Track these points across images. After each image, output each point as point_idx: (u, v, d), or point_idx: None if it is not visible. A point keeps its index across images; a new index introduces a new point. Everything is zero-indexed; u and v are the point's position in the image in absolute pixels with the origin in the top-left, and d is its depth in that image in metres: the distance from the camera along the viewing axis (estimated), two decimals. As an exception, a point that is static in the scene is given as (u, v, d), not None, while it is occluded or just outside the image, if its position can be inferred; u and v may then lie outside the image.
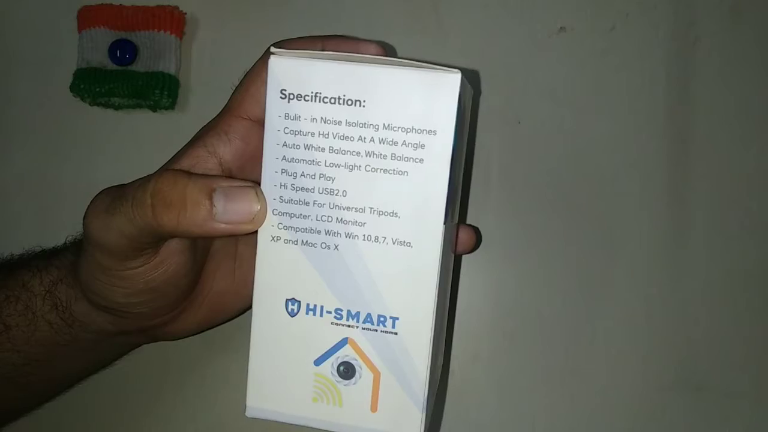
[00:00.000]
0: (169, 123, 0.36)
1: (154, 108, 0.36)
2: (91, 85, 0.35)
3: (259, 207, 0.22)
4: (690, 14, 0.35)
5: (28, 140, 0.37)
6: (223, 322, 0.30)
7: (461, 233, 0.30)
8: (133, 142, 0.36)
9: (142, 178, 0.23)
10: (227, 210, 0.22)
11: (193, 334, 0.30)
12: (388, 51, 0.25)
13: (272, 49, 0.22)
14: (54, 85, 0.36)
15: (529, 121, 0.35)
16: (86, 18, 0.36)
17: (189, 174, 0.23)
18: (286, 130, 0.22)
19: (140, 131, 0.36)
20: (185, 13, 0.36)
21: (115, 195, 0.24)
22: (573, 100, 0.35)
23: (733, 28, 0.35)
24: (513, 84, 0.35)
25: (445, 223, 0.22)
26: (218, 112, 0.27)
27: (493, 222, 0.35)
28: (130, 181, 0.24)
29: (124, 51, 0.35)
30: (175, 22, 0.36)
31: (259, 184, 0.22)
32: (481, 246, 0.35)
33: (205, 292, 0.28)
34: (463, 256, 0.35)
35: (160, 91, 0.35)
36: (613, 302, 0.34)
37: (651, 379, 0.34)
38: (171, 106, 0.36)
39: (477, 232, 0.33)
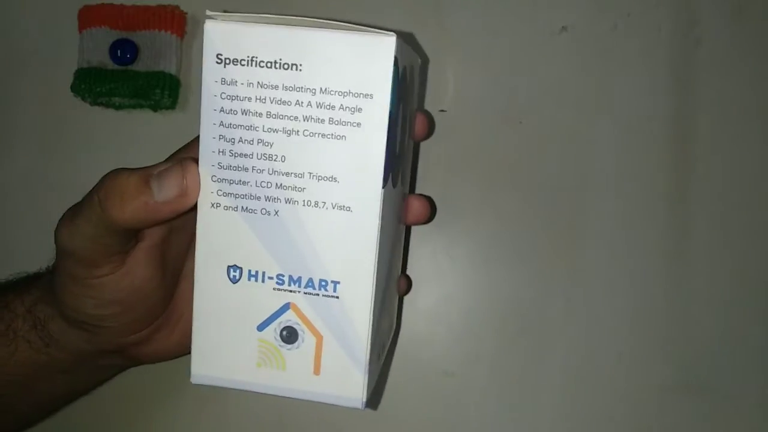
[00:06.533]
0: (170, 123, 0.36)
1: (155, 108, 0.36)
2: (92, 85, 0.35)
3: (186, 179, 0.22)
4: (692, 14, 0.35)
5: (29, 140, 0.37)
6: None
7: (414, 201, 0.30)
8: (133, 142, 0.36)
9: None
10: (162, 189, 0.23)
11: (171, 358, 0.30)
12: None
13: (208, 13, 0.22)
14: (55, 85, 0.36)
15: (530, 121, 0.35)
16: (87, 18, 0.36)
17: (130, 169, 0.24)
18: (223, 96, 0.22)
19: (141, 131, 0.36)
20: (186, 13, 0.36)
21: (77, 204, 0.25)
22: (575, 99, 0.35)
23: (736, 27, 0.34)
24: (514, 84, 0.35)
25: (384, 188, 0.22)
26: None
27: (493, 222, 0.35)
28: None
29: (124, 51, 0.35)
30: (176, 21, 0.36)
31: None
32: (481, 246, 0.35)
33: (178, 311, 0.29)
34: (465, 255, 0.35)
35: (161, 91, 0.35)
36: (614, 303, 0.34)
37: (653, 381, 0.34)
38: (172, 105, 0.36)
39: (431, 202, 0.33)
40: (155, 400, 0.35)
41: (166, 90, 0.35)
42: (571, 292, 0.34)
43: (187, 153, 0.27)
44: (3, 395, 0.29)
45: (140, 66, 0.35)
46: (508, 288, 0.35)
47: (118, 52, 0.35)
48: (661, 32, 0.35)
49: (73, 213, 0.25)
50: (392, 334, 0.30)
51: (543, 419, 0.34)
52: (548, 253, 0.34)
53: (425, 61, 0.35)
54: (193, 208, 0.23)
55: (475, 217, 0.35)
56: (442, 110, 0.35)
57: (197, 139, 0.27)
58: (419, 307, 0.35)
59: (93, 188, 0.24)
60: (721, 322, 0.34)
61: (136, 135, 0.36)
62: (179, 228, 0.27)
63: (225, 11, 0.22)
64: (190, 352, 0.30)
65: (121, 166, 0.25)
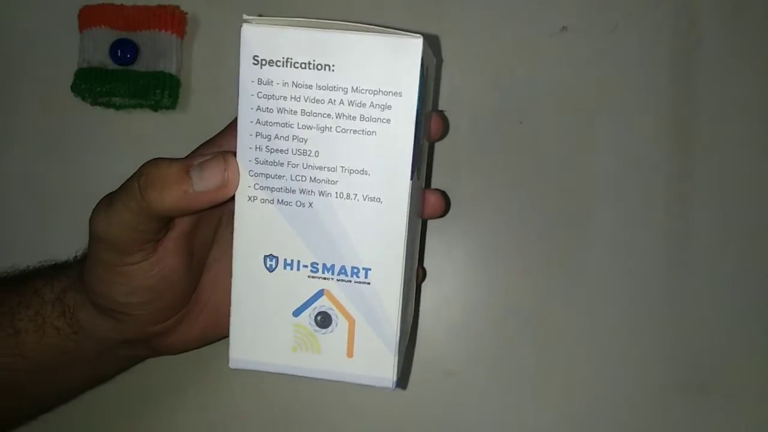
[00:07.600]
0: (170, 123, 0.36)
1: (155, 108, 0.36)
2: (92, 85, 0.35)
3: (227, 171, 0.23)
4: (692, 14, 0.35)
5: (29, 140, 0.37)
6: (222, 338, 0.31)
7: (430, 196, 0.31)
8: (134, 142, 0.36)
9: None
10: (202, 179, 0.24)
11: (192, 348, 0.31)
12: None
13: (245, 17, 0.23)
14: (55, 85, 0.36)
15: (530, 121, 0.35)
16: (87, 18, 0.36)
17: (170, 159, 0.25)
18: (260, 95, 0.23)
19: (141, 131, 0.36)
20: (186, 13, 0.36)
21: (114, 192, 0.26)
22: (575, 100, 0.35)
23: (736, 27, 0.35)
24: (514, 84, 0.35)
25: (411, 179, 0.23)
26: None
27: (494, 222, 0.35)
28: None
29: (125, 51, 0.35)
30: (176, 21, 0.36)
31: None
32: (481, 246, 0.35)
33: (202, 302, 0.29)
34: (465, 255, 0.35)
35: (161, 91, 0.35)
36: (615, 302, 0.34)
37: (653, 380, 0.34)
38: (172, 105, 0.36)
39: (445, 196, 0.34)
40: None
41: (166, 90, 0.35)
42: (572, 291, 0.35)
43: (215, 145, 0.27)
44: (28, 381, 0.30)
45: (140, 66, 0.36)
46: (508, 288, 0.35)
47: (118, 52, 0.35)
48: (662, 32, 0.35)
49: (109, 200, 0.25)
50: (411, 321, 0.31)
51: (543, 419, 0.34)
52: (548, 252, 0.35)
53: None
54: (227, 201, 0.24)
55: (475, 217, 0.35)
56: (441, 110, 0.35)
57: (223, 133, 0.28)
58: (420, 307, 0.35)
59: (132, 176, 0.25)
60: (721, 322, 0.34)
61: (136, 135, 0.36)
62: (206, 219, 0.28)
63: (260, 15, 0.23)
64: (210, 344, 0.31)
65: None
